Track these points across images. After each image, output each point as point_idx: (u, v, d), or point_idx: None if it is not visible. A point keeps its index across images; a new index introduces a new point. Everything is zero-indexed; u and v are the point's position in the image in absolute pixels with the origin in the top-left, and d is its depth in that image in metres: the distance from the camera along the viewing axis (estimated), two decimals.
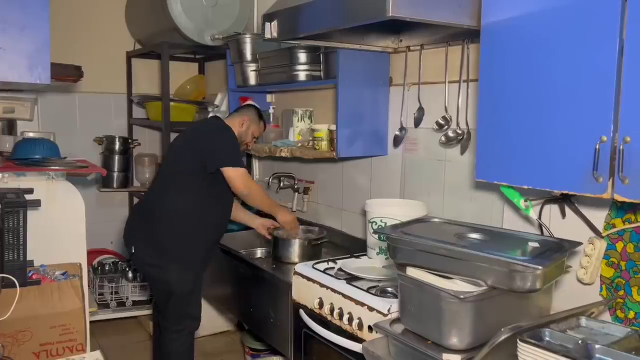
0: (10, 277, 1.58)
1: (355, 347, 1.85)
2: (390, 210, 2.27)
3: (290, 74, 2.67)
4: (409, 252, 1.60)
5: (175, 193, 2.55)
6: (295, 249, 2.58)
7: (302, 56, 2.61)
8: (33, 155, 2.73)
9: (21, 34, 1.76)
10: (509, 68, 1.52)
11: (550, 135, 1.42)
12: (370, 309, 1.86)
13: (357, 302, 1.91)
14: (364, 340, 1.80)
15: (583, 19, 1.34)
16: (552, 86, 1.41)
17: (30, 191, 2.29)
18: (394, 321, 1.68)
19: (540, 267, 1.36)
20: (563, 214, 1.81)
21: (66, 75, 3.04)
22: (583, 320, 1.51)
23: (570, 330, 1.46)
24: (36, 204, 2.22)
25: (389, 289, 2.02)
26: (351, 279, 2.10)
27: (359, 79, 2.43)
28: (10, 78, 1.78)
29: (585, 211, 1.75)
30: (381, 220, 2.25)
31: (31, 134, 3.52)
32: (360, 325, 1.89)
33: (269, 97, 3.36)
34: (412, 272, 1.58)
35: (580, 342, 1.35)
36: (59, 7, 3.54)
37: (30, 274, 2.26)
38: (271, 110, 3.18)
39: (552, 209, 1.84)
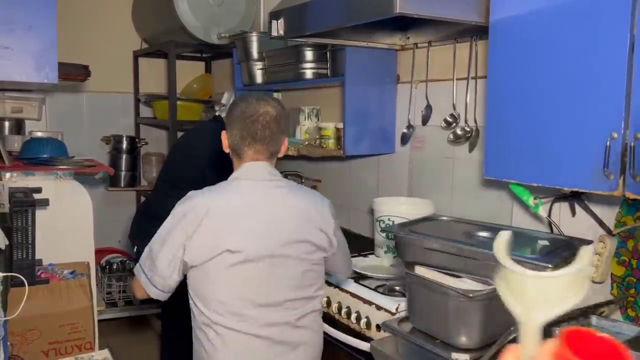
0: (19, 276, 1.58)
1: (364, 346, 1.85)
2: (398, 208, 2.26)
3: (297, 72, 2.67)
4: (417, 250, 1.59)
5: (178, 193, 2.55)
6: None
7: (309, 54, 2.61)
8: (41, 155, 2.74)
9: (28, 33, 1.76)
10: (518, 65, 1.50)
11: (560, 132, 1.41)
12: (378, 307, 1.85)
13: (365, 301, 1.91)
14: (372, 339, 1.79)
15: (593, 15, 1.32)
16: (561, 83, 1.40)
17: (38, 190, 2.30)
18: (402, 320, 1.67)
19: (549, 266, 1.34)
20: (573, 212, 1.79)
21: (74, 74, 3.05)
22: (594, 319, 1.49)
23: None
24: (44, 203, 2.23)
25: (397, 288, 2.01)
26: (359, 277, 2.10)
27: (366, 77, 2.42)
28: (18, 78, 1.79)
29: (596, 209, 1.73)
30: (389, 219, 2.24)
31: (39, 134, 3.53)
32: (368, 324, 1.88)
33: (276, 96, 3.36)
34: (420, 270, 1.57)
35: None
36: (65, 7, 3.54)
37: (38, 273, 2.27)
38: None
39: (562, 207, 1.83)
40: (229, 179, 1.64)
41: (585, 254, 0.66)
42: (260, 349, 1.57)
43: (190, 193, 1.61)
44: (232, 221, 1.53)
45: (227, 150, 1.66)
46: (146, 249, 1.63)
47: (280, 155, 1.67)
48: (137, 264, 1.64)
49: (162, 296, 1.59)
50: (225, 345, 1.55)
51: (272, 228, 1.55)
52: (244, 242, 1.51)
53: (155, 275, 1.56)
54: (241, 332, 1.55)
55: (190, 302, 1.62)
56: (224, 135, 1.64)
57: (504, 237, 0.73)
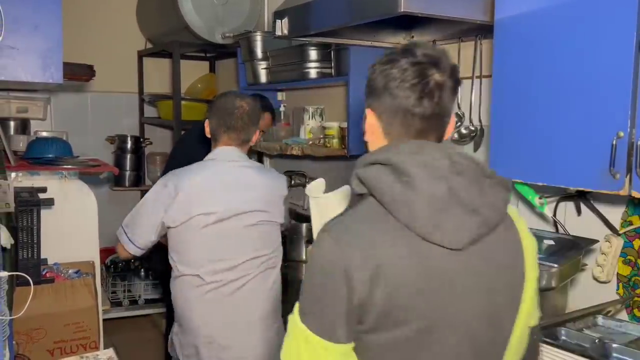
0: (25, 275, 1.59)
1: None
2: None
3: (301, 71, 2.66)
4: None
5: None
6: (304, 248, 2.57)
7: (313, 53, 2.60)
8: (46, 155, 2.75)
9: (34, 33, 1.77)
10: (523, 63, 1.50)
11: (565, 131, 1.40)
12: None
13: None
14: None
15: (600, 13, 1.31)
16: (567, 81, 1.39)
17: (43, 190, 2.30)
18: None
19: (555, 266, 1.34)
20: (579, 212, 1.78)
21: (78, 74, 3.06)
22: (600, 319, 1.49)
23: (586, 329, 1.44)
24: (49, 202, 2.23)
25: None
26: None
27: None
28: (24, 77, 1.79)
29: (602, 208, 1.72)
30: None
31: (44, 134, 3.55)
32: None
33: (280, 95, 3.35)
34: None
35: (597, 341, 1.33)
36: (70, 6, 3.55)
37: (44, 272, 2.28)
38: (282, 108, 3.18)
39: (568, 206, 1.82)
40: (205, 159, 1.95)
41: (315, 185, 1.23)
42: (225, 295, 1.89)
43: (170, 172, 1.95)
44: (205, 191, 1.85)
45: (208, 135, 1.97)
46: (128, 216, 1.97)
47: (252, 143, 2.01)
48: (120, 228, 1.98)
49: (139, 252, 1.96)
50: (195, 290, 1.88)
51: (238, 198, 1.87)
52: (214, 207, 1.84)
53: (136, 235, 1.91)
54: (207, 281, 1.86)
55: (169, 257, 1.93)
56: (206, 123, 1.96)
57: (317, 181, 1.23)
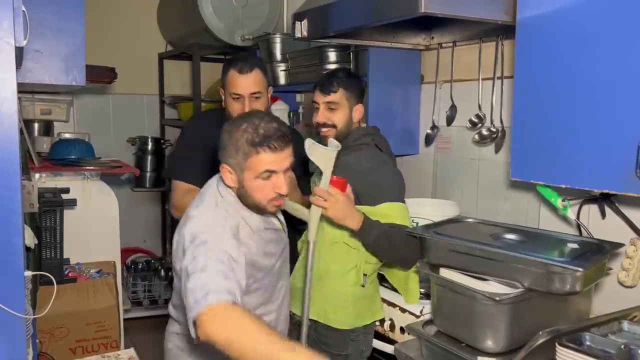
0: (48, 274, 1.61)
1: (388, 348, 1.83)
2: (423, 210, 2.24)
3: (319, 73, 2.66)
4: (442, 252, 1.57)
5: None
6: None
7: (332, 55, 2.60)
8: (69, 156, 2.80)
9: (57, 37, 1.79)
10: (546, 64, 1.47)
11: (590, 132, 1.38)
12: (403, 310, 1.84)
13: (389, 303, 1.89)
14: (396, 342, 1.78)
15: (627, 11, 1.29)
16: (592, 81, 1.36)
17: (66, 191, 2.34)
18: (427, 323, 1.65)
19: (580, 269, 1.31)
20: (603, 214, 1.75)
21: (101, 76, 3.11)
22: (625, 325, 1.45)
23: (612, 334, 1.40)
24: (72, 203, 2.27)
25: (422, 290, 1.98)
26: (383, 279, 2.08)
27: (389, 77, 2.40)
28: (47, 80, 1.82)
29: (627, 211, 1.68)
30: (413, 220, 2.22)
31: (67, 135, 3.61)
32: (392, 327, 1.86)
33: (299, 97, 3.36)
34: (445, 273, 1.55)
35: (623, 347, 1.30)
36: (93, 10, 3.61)
37: (66, 272, 2.31)
38: (301, 110, 3.18)
39: (591, 209, 1.78)
40: None
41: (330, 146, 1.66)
42: None
43: None
44: None
45: None
46: None
47: None
48: None
49: None
50: None
51: None
52: None
53: None
54: None
55: None
56: None
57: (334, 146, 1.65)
